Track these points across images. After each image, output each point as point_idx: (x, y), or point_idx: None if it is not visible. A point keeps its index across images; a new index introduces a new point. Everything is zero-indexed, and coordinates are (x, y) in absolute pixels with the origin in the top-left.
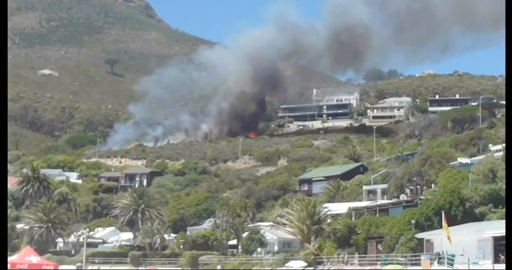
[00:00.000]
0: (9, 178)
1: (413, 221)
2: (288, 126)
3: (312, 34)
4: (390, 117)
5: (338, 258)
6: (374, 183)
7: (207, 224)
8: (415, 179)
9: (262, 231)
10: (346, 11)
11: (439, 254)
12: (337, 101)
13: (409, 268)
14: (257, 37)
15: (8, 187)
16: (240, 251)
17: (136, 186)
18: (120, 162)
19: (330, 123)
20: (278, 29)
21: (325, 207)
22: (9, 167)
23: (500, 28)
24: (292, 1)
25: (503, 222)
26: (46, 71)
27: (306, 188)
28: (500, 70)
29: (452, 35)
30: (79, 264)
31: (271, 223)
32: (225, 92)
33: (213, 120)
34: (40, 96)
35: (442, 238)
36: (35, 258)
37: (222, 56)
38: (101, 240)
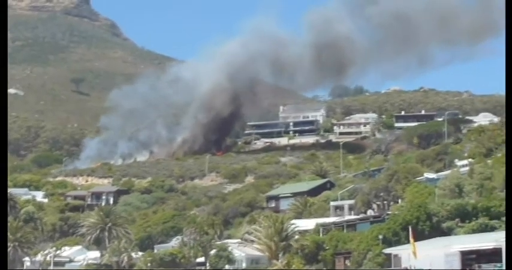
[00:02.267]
0: None
1: (380, 237)
2: (255, 143)
3: (282, 51)
4: (357, 133)
5: None
6: (341, 199)
7: (175, 242)
8: (382, 194)
9: (230, 248)
10: (323, 29)
11: (406, 269)
12: (303, 117)
13: None
14: (224, 56)
15: None
16: (208, 268)
17: (103, 204)
18: (87, 181)
19: (297, 140)
20: (245, 46)
21: (293, 224)
22: None
23: (478, 42)
24: (266, 17)
25: (470, 237)
26: (12, 91)
27: (273, 205)
28: (465, 86)
29: (429, 50)
30: None
31: (239, 240)
32: (192, 110)
33: (181, 138)
34: None
35: (409, 253)
36: None
37: (188, 74)
38: (68, 259)
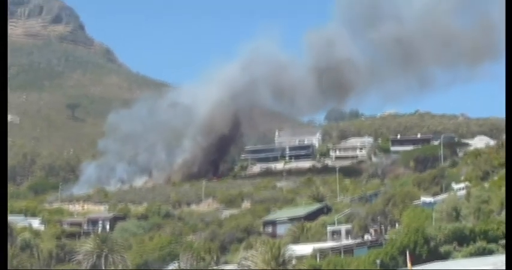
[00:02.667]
0: None
1: (378, 261)
2: (251, 168)
3: (282, 74)
4: (353, 157)
5: None
6: (338, 224)
7: (171, 268)
8: (379, 218)
9: None
10: (323, 51)
11: None
12: (299, 142)
13: None
14: (222, 79)
15: None
16: None
17: (99, 231)
18: (83, 208)
19: (293, 165)
20: (244, 69)
21: (290, 249)
22: None
23: (477, 65)
24: (265, 39)
25: (468, 261)
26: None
27: (270, 230)
28: (460, 109)
29: (430, 73)
30: None
31: (236, 266)
32: (190, 134)
33: (180, 162)
34: None
35: None
36: None
37: (186, 98)
38: None
